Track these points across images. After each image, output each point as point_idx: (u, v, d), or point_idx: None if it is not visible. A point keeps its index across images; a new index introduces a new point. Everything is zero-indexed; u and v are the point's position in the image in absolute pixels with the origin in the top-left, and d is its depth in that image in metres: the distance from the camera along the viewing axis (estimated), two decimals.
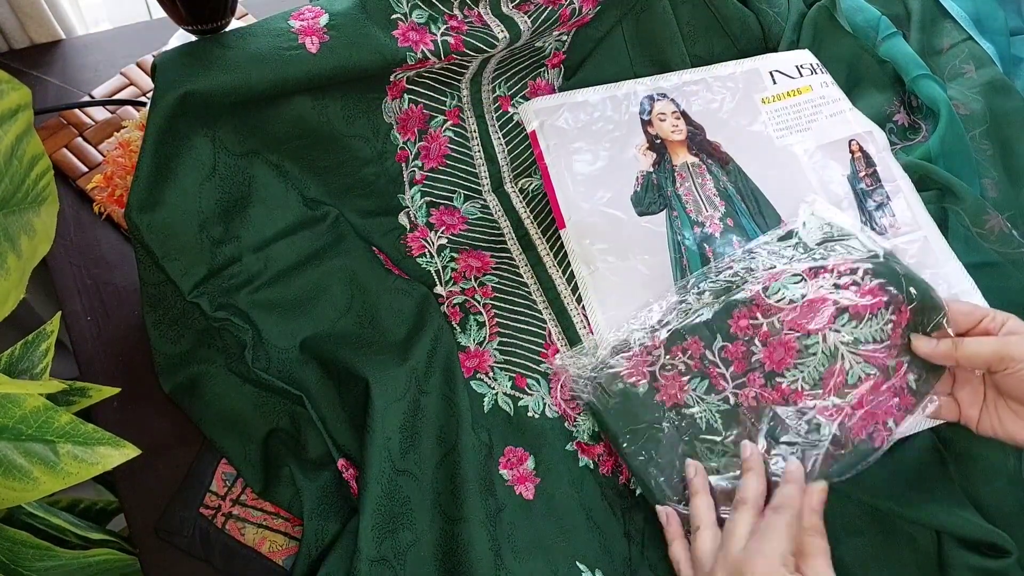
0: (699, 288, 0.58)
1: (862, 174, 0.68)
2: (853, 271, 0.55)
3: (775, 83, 0.72)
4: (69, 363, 0.64)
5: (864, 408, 0.53)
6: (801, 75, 0.72)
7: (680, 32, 0.74)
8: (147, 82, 0.74)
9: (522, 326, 0.64)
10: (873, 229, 0.65)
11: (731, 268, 0.59)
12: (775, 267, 0.57)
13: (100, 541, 0.64)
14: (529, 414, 0.60)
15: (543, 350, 0.63)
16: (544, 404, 0.61)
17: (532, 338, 0.63)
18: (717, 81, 0.71)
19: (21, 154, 0.47)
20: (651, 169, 0.66)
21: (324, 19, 0.57)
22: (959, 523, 0.54)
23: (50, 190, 0.52)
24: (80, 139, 0.71)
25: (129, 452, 0.45)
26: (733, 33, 0.76)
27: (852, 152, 0.69)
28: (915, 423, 0.55)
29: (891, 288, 0.55)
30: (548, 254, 0.67)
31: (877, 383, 0.54)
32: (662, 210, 0.65)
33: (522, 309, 0.65)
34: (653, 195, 0.65)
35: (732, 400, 0.54)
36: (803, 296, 0.55)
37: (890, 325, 0.55)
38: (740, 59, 0.74)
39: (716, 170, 0.67)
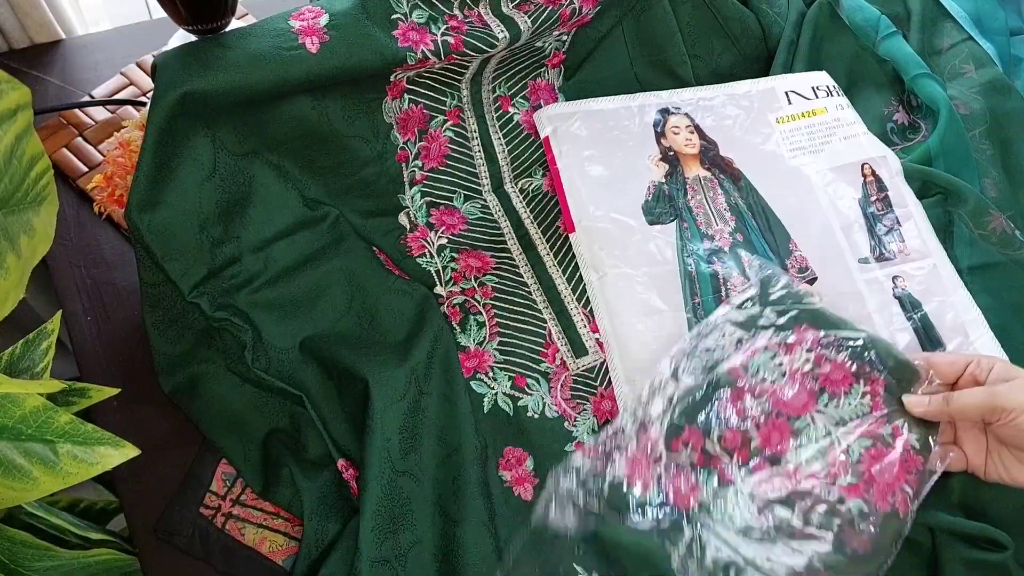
0: (684, 369, 0.56)
1: (873, 198, 0.67)
2: (821, 344, 0.55)
3: (790, 103, 0.72)
4: (69, 363, 0.64)
5: (876, 480, 0.52)
6: (817, 96, 0.72)
7: (680, 32, 0.74)
8: (147, 82, 0.74)
9: (522, 326, 0.64)
10: (882, 254, 0.65)
11: (706, 345, 0.57)
12: (742, 340, 0.56)
13: (100, 541, 0.64)
14: (529, 414, 0.60)
15: (543, 350, 0.63)
16: (544, 404, 0.61)
17: (532, 338, 0.63)
18: (732, 99, 0.72)
19: (20, 154, 0.47)
20: (663, 180, 0.66)
21: (324, 19, 0.57)
22: (952, 519, 0.54)
23: (49, 190, 0.52)
24: (80, 139, 0.71)
25: (129, 452, 0.45)
26: (733, 33, 0.76)
27: (864, 176, 0.69)
28: (930, 480, 0.54)
29: (856, 360, 0.55)
30: (548, 254, 0.67)
31: (879, 453, 0.53)
32: (672, 221, 0.65)
33: (522, 309, 0.65)
34: (664, 205, 0.65)
35: (747, 491, 0.52)
36: (783, 376, 0.55)
37: (867, 397, 0.54)
38: (755, 72, 0.74)
39: (728, 185, 0.67)
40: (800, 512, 0.51)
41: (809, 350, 0.55)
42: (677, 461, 0.53)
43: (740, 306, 0.58)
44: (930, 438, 0.54)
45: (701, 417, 0.54)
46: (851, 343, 0.55)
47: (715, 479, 0.52)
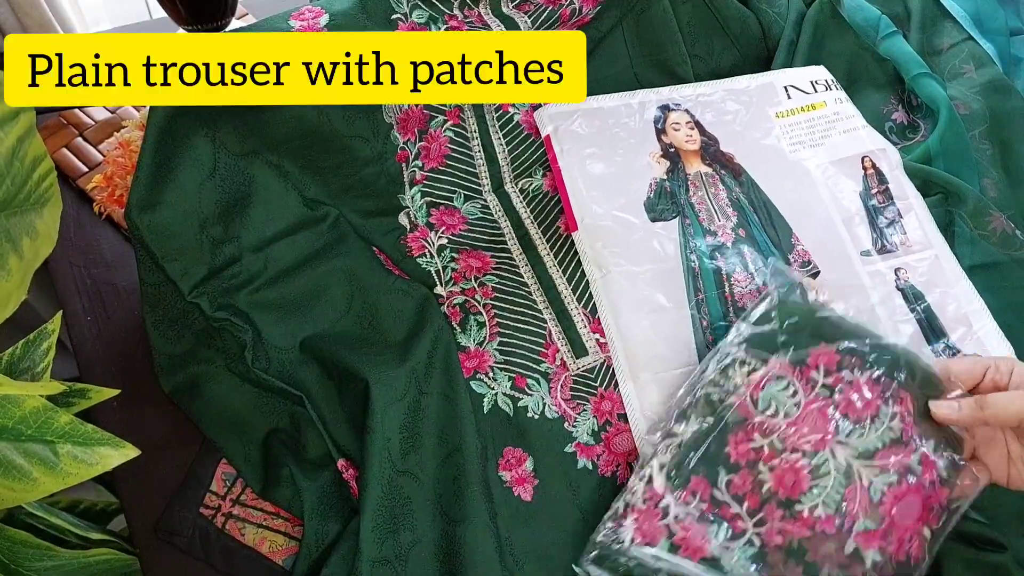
0: (692, 409, 0.53)
1: (874, 191, 0.68)
2: (840, 365, 0.50)
3: (789, 98, 0.72)
4: (69, 363, 0.64)
5: (896, 525, 0.48)
6: (816, 91, 0.73)
7: (680, 32, 0.74)
8: None
9: (522, 326, 0.64)
10: (884, 246, 0.65)
11: (714, 379, 0.53)
12: (756, 370, 0.52)
13: (100, 541, 0.64)
14: (529, 415, 0.60)
15: (543, 350, 0.63)
16: (544, 404, 0.61)
17: (532, 338, 0.63)
18: (731, 94, 0.72)
19: (23, 155, 0.47)
20: (664, 176, 0.66)
21: (324, 19, 0.57)
22: None
23: (52, 191, 0.52)
24: (80, 139, 0.71)
25: (129, 452, 0.45)
26: (733, 33, 0.76)
27: (865, 169, 0.69)
28: (957, 514, 0.51)
29: (884, 377, 0.50)
30: (548, 254, 0.67)
31: (906, 491, 0.48)
32: (675, 217, 0.65)
33: (522, 309, 0.65)
34: (666, 202, 0.65)
35: (757, 542, 0.48)
36: (797, 407, 0.50)
37: (897, 419, 0.49)
38: (755, 73, 0.74)
39: (729, 181, 0.67)
40: (810, 566, 0.47)
41: (828, 373, 0.50)
42: (687, 512, 0.49)
43: (757, 322, 0.54)
44: (956, 464, 0.50)
45: (708, 463, 0.50)
46: (877, 357, 0.50)
47: (724, 530, 0.48)
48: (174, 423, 0.60)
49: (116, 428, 0.47)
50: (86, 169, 0.69)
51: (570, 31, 0.68)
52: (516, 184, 0.70)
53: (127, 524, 0.59)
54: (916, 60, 0.74)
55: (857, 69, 0.77)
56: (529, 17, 0.63)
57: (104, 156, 0.69)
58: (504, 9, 0.63)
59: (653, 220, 0.65)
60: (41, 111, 0.70)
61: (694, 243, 0.64)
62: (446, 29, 0.61)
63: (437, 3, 0.61)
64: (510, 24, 0.62)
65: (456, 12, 0.62)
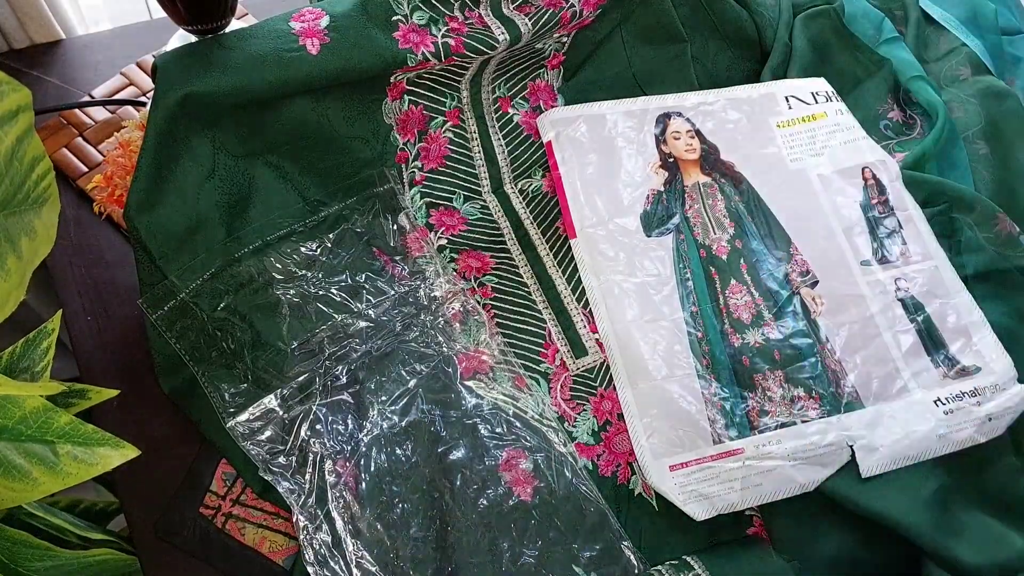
0: None
1: (874, 201, 0.68)
2: None
3: (790, 108, 0.72)
4: (69, 363, 0.64)
5: None
6: (816, 102, 0.73)
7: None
8: (147, 82, 0.74)
9: (522, 326, 0.64)
10: (884, 256, 0.65)
11: None
12: None
13: (100, 541, 0.64)
14: (528, 414, 0.60)
15: (543, 350, 0.63)
16: (543, 404, 0.61)
17: (532, 338, 0.64)
18: (733, 103, 0.72)
19: (22, 155, 0.47)
20: (661, 188, 0.67)
21: (325, 21, 0.57)
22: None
23: (51, 191, 0.52)
24: (80, 139, 0.71)
25: (129, 452, 0.45)
26: (729, 35, 0.76)
27: (865, 179, 0.69)
28: None
29: None
30: (548, 254, 0.67)
31: None
32: (670, 232, 0.65)
33: (522, 309, 0.65)
34: (662, 216, 0.65)
35: None
36: None
37: None
38: (751, 74, 0.74)
39: (728, 189, 0.67)
40: None
41: None
42: None
43: None
44: None
45: None
46: None
47: None
48: (174, 423, 0.60)
49: (116, 428, 0.47)
50: (86, 169, 0.69)
51: None
52: (516, 185, 0.70)
53: (127, 524, 0.59)
54: (914, 65, 0.74)
55: (854, 69, 0.77)
56: (530, 19, 0.63)
57: (104, 156, 0.69)
58: (505, 11, 0.63)
59: (648, 234, 0.65)
60: (41, 111, 0.70)
61: (687, 259, 0.64)
62: (447, 30, 0.61)
63: (437, 4, 0.61)
64: (510, 26, 0.62)
65: (456, 13, 0.62)
